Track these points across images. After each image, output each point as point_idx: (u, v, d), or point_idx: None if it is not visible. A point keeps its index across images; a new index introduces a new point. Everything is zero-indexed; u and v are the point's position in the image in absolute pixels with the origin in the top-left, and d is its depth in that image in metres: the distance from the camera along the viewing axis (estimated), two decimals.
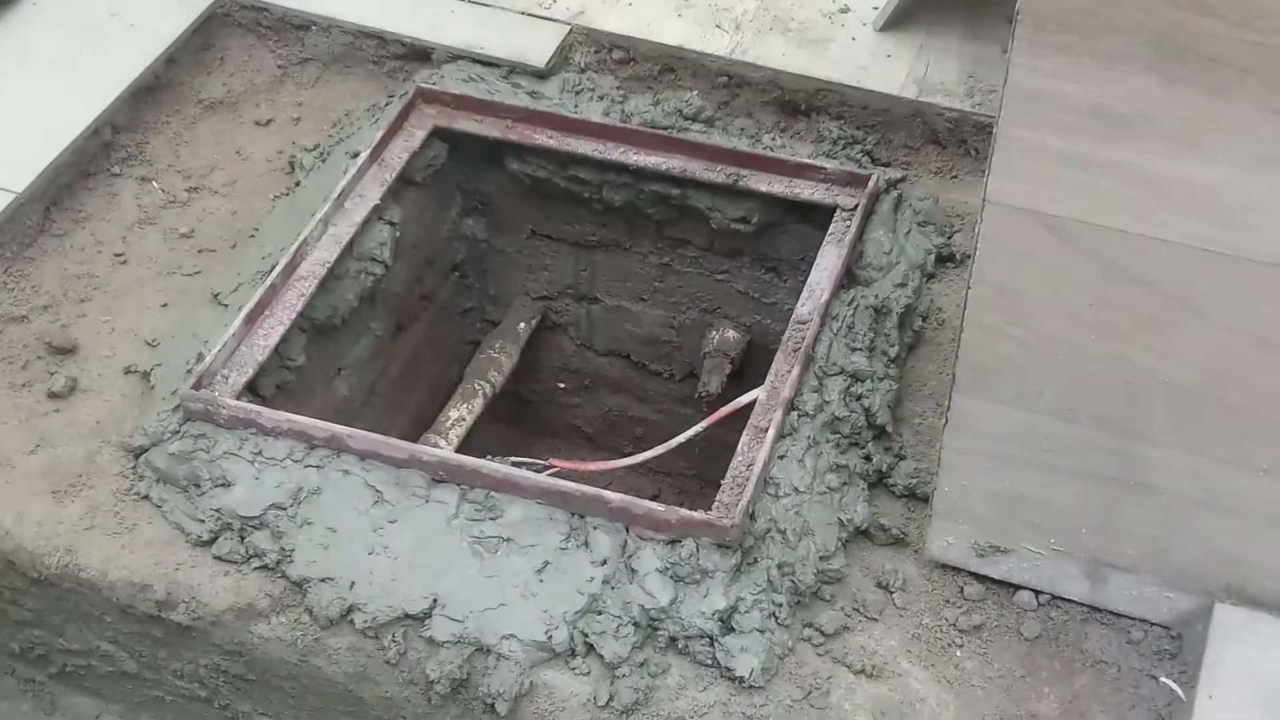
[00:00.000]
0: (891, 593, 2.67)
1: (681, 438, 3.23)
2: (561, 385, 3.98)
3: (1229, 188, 2.05)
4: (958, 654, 2.60)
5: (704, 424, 3.22)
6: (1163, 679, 2.51)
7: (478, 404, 3.61)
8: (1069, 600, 2.64)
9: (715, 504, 2.68)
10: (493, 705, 2.54)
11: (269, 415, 2.80)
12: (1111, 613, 2.62)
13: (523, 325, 3.80)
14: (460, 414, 3.56)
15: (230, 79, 3.67)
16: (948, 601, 2.66)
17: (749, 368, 3.57)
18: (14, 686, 3.02)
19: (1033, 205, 2.17)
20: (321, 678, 2.67)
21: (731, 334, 3.58)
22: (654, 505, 2.65)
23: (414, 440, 3.42)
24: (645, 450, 3.23)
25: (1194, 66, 1.96)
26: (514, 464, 3.32)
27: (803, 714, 2.52)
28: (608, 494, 2.67)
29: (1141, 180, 2.08)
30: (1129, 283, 2.19)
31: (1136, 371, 2.29)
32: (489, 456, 3.36)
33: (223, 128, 3.57)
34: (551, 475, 2.94)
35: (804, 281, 3.32)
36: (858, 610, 2.64)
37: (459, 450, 3.46)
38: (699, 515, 2.62)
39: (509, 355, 3.73)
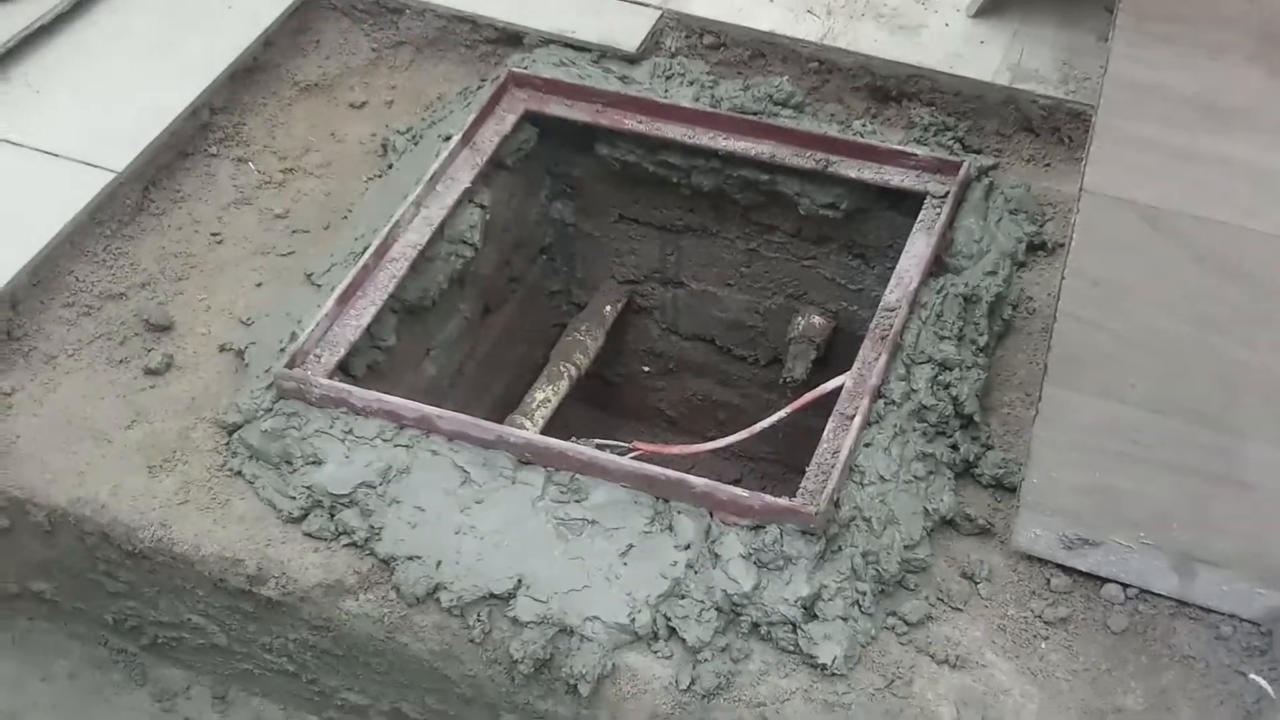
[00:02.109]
0: (977, 583, 2.62)
1: (765, 423, 3.18)
2: (646, 369, 3.95)
3: None
4: (1043, 646, 2.54)
5: (788, 409, 3.17)
6: (1252, 675, 2.45)
7: (563, 386, 3.58)
8: (1157, 594, 2.57)
9: (800, 490, 2.63)
10: (575, 686, 2.52)
11: (360, 395, 2.79)
12: (1200, 607, 2.55)
13: (609, 309, 3.77)
14: (546, 396, 3.54)
15: (325, 62, 3.67)
16: (1034, 593, 2.60)
17: (834, 354, 3.52)
18: (106, 657, 3.03)
19: (1131, 196, 2.11)
20: (407, 655, 2.65)
21: (817, 320, 3.53)
22: (738, 491, 2.61)
23: (500, 421, 3.42)
24: (728, 435, 3.19)
25: None
26: (598, 446, 3.31)
27: (885, 702, 2.48)
28: (692, 478, 2.63)
29: (1244, 172, 2.02)
30: (1228, 276, 2.12)
31: (1233, 366, 2.22)
32: (573, 438, 3.34)
33: (318, 110, 3.57)
34: (634, 458, 2.93)
35: (892, 268, 3.26)
36: (942, 600, 2.59)
37: (544, 432, 3.44)
38: (783, 502, 2.58)
39: (594, 338, 3.70)
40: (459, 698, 2.69)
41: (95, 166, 3.23)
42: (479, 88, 3.52)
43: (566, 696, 2.55)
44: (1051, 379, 2.38)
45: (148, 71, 3.46)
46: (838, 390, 2.89)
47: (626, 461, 2.70)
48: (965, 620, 2.57)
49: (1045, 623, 2.57)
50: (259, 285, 3.17)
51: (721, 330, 3.77)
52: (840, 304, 3.53)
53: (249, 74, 3.56)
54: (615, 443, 3.28)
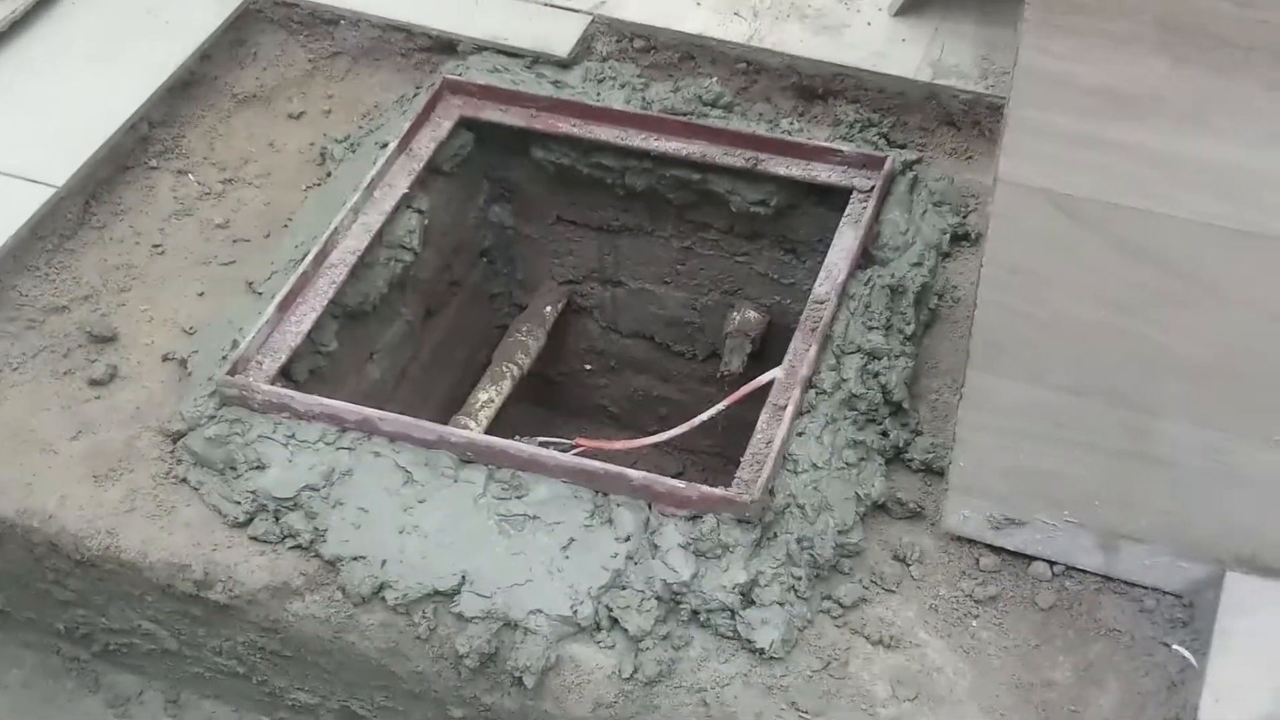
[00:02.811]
0: (908, 565, 2.63)
1: (703, 416, 3.18)
2: (588, 366, 3.94)
3: (1239, 165, 1.99)
4: (974, 624, 2.56)
5: (725, 403, 3.17)
6: (1175, 646, 2.47)
7: (506, 386, 3.57)
8: (1082, 571, 2.59)
9: (735, 480, 2.63)
10: (520, 679, 2.51)
11: (302, 399, 2.77)
12: (1125, 582, 2.57)
13: (549, 309, 3.76)
14: (489, 396, 3.53)
15: (263, 73, 3.64)
16: (964, 573, 2.62)
17: (769, 347, 3.52)
18: (58, 665, 3.01)
19: (1044, 184, 2.12)
20: (354, 653, 2.64)
21: (752, 314, 3.53)
22: (675, 482, 2.61)
23: (444, 422, 3.40)
24: (669, 429, 3.19)
25: (1200, 46, 1.90)
26: (541, 444, 3.28)
27: (822, 684, 2.48)
28: (631, 472, 2.63)
29: (1152, 158, 2.03)
30: (1140, 260, 2.14)
31: (1149, 348, 2.24)
32: (517, 437, 3.32)
33: (256, 121, 3.54)
34: (577, 454, 2.93)
35: (822, 263, 3.26)
36: (875, 583, 2.60)
37: (488, 431, 3.43)
38: (719, 492, 2.58)
39: (536, 338, 3.69)
40: (407, 694, 2.68)
41: (35, 182, 3.19)
42: (415, 95, 3.50)
43: (512, 689, 2.55)
44: (974, 365, 2.39)
45: (86, 85, 3.42)
46: (772, 382, 2.89)
47: (566, 458, 2.70)
48: (898, 601, 2.58)
49: (975, 601, 2.58)
50: (201, 295, 3.14)
51: (660, 327, 3.77)
52: (773, 298, 3.54)
53: (187, 87, 3.53)
54: (558, 440, 3.28)
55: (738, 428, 3.11)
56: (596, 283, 3.76)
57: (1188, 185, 2.04)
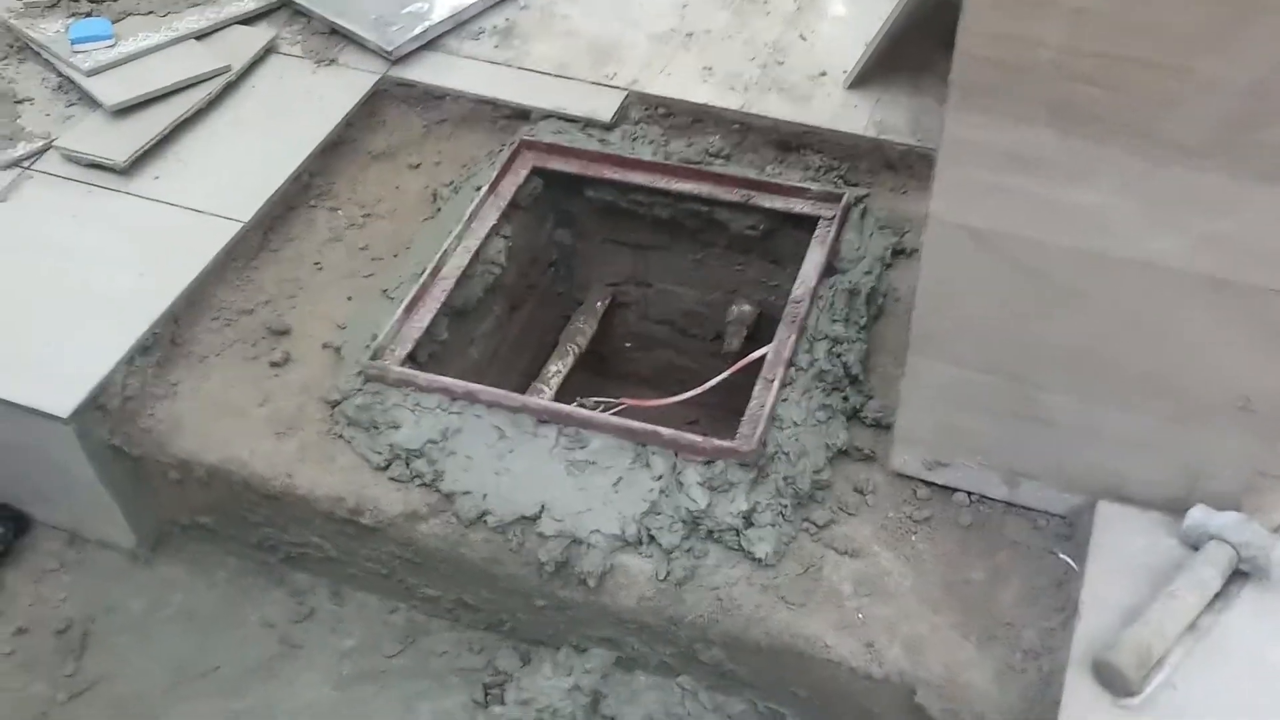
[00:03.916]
0: (865, 495, 2.63)
1: (712, 382, 3.16)
2: (628, 345, 3.92)
3: (1105, 207, 1.98)
4: (913, 539, 2.55)
5: (728, 373, 3.15)
6: (1060, 555, 2.46)
7: (569, 360, 3.56)
8: (992, 499, 2.58)
9: (738, 434, 2.63)
10: (585, 580, 2.52)
11: (424, 378, 2.77)
12: (1023, 507, 2.56)
13: (599, 304, 3.74)
14: (557, 368, 3.52)
15: (390, 136, 3.61)
16: (905, 501, 2.61)
17: (759, 332, 3.50)
18: (253, 567, 3.02)
19: (962, 220, 2.11)
20: (465, 561, 2.66)
21: (746, 308, 3.51)
22: (694, 437, 2.61)
23: (525, 388, 3.41)
24: (688, 390, 3.18)
25: (1080, 121, 1.89)
26: (597, 403, 3.30)
27: (803, 584, 2.49)
28: (661, 430, 2.63)
29: (1042, 203, 2.02)
30: (1031, 276, 2.13)
31: (1036, 340, 2.23)
32: (578, 400, 3.33)
33: (385, 171, 3.52)
34: (620, 412, 2.94)
35: (798, 270, 3.26)
36: (841, 509, 2.60)
37: (557, 396, 3.43)
38: (727, 444, 2.58)
39: (590, 325, 3.67)
40: (503, 589, 2.69)
41: (229, 219, 3.19)
42: (500, 151, 3.48)
43: (579, 587, 2.56)
44: (913, 351, 2.38)
45: (264, 146, 3.40)
46: (761, 359, 2.89)
47: (615, 419, 2.69)
48: (858, 523, 2.58)
49: (914, 521, 2.57)
50: (349, 299, 3.13)
51: (679, 316, 3.74)
52: (762, 296, 3.50)
53: (335, 147, 3.51)
54: (610, 399, 3.28)
55: (735, 388, 3.10)
56: (632, 285, 3.73)
57: (1067, 222, 2.03)
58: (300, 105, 3.53)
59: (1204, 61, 1.74)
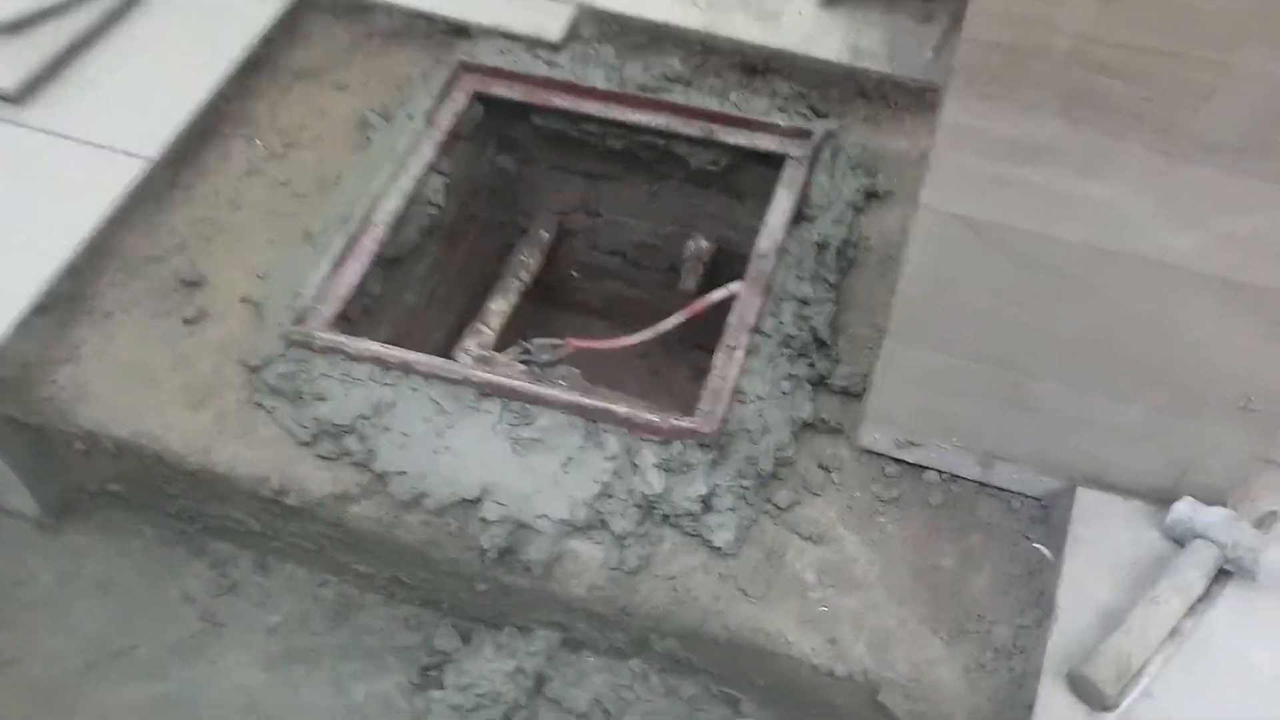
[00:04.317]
0: (830, 472, 2.46)
1: (667, 324, 2.98)
2: (574, 274, 3.68)
3: (1117, 202, 1.76)
4: (880, 520, 2.40)
5: (684, 314, 2.96)
6: (1035, 544, 2.32)
7: (512, 296, 3.33)
8: (964, 478, 2.43)
9: (698, 411, 2.43)
10: (530, 568, 2.35)
11: (353, 345, 2.53)
12: (997, 488, 2.41)
13: (545, 233, 3.48)
14: (499, 305, 3.29)
15: (314, 53, 3.27)
16: (873, 479, 2.45)
17: (717, 269, 3.28)
18: (172, 536, 2.81)
19: (958, 210, 1.89)
20: (401, 544, 2.46)
21: (704, 244, 3.28)
22: (651, 416, 2.41)
23: (464, 327, 3.18)
24: (640, 331, 2.98)
25: (1096, 112, 1.66)
26: (538, 344, 3.09)
27: (765, 573, 2.33)
28: (615, 408, 2.42)
29: (1048, 195, 1.80)
30: (1029, 268, 1.93)
31: (1032, 330, 2.04)
32: (520, 342, 3.12)
33: (309, 92, 3.19)
34: (573, 358, 2.81)
35: (760, 206, 3.02)
36: (805, 488, 2.43)
37: (500, 332, 3.21)
38: (686, 424, 2.39)
39: (534, 258, 3.42)
40: (443, 572, 2.51)
41: (134, 155, 2.86)
42: (436, 71, 3.16)
43: (525, 574, 2.39)
44: (892, 337, 2.18)
45: (170, 71, 3.05)
46: (723, 298, 2.71)
47: (565, 395, 2.47)
48: (823, 503, 2.42)
49: (882, 501, 2.42)
50: (270, 242, 2.86)
51: (630, 248, 3.50)
52: (720, 231, 3.27)
53: (252, 67, 3.16)
54: (553, 340, 3.07)
55: (694, 327, 2.90)
56: (581, 214, 3.48)
57: (1072, 215, 1.82)
58: (213, 20, 3.16)
59: (1246, 55, 1.51)
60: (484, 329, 3.21)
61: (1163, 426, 2.09)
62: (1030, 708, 2.07)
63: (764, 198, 3.04)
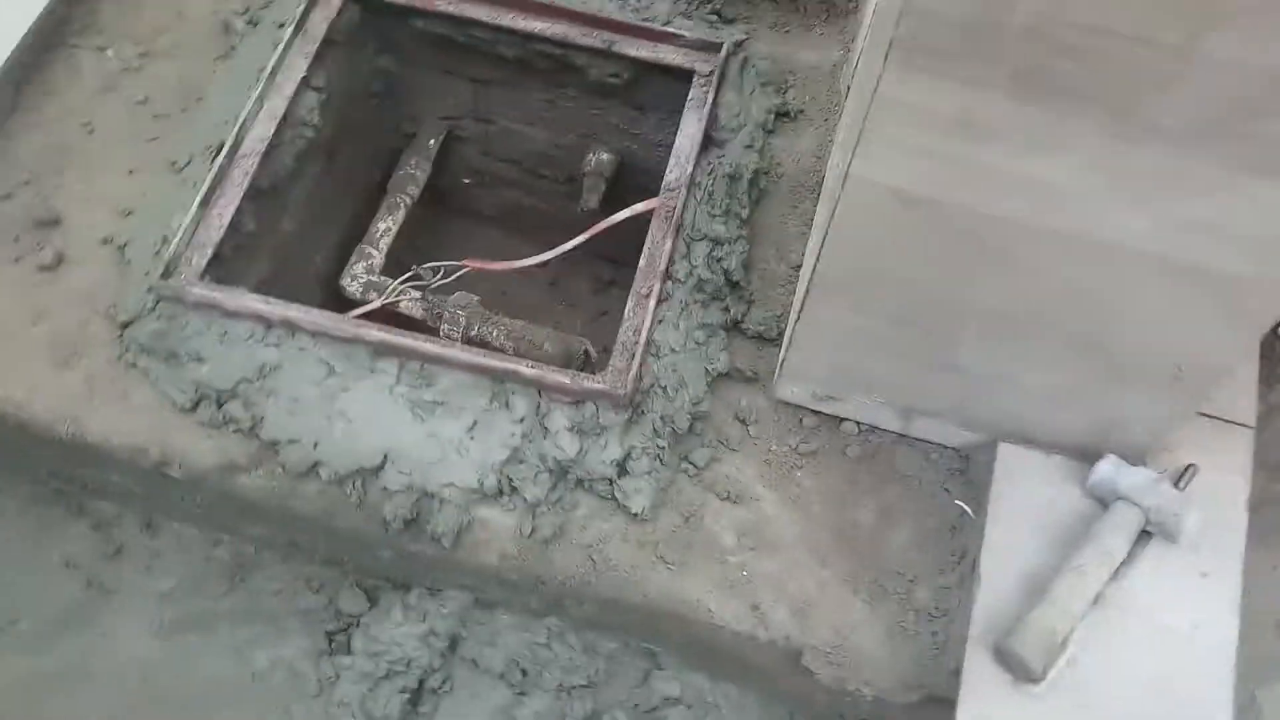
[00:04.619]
0: (747, 425, 2.36)
1: (568, 245, 2.81)
2: (467, 181, 3.45)
3: (1063, 182, 1.64)
4: (798, 475, 2.32)
5: (587, 235, 2.79)
6: (957, 501, 2.27)
7: (400, 215, 3.10)
8: (883, 429, 2.35)
9: (610, 369, 2.29)
10: (439, 540, 2.22)
11: (230, 300, 2.31)
12: (915, 439, 2.35)
13: (432, 142, 3.23)
14: (387, 225, 3.07)
15: None
16: (790, 430, 2.36)
17: (619, 183, 3.10)
18: (47, 494, 2.61)
19: (888, 181, 1.74)
20: (297, 513, 2.31)
21: (605, 156, 3.08)
22: (561, 377, 2.26)
23: (351, 250, 2.96)
24: (543, 252, 2.80)
25: (1047, 93, 1.51)
26: (433, 267, 2.90)
27: (684, 536, 2.25)
28: (522, 368, 2.27)
29: (989, 172, 1.67)
30: (960, 239, 1.81)
31: (959, 298, 1.94)
32: (414, 268, 2.92)
33: None
34: (467, 277, 2.69)
35: (664, 119, 2.88)
36: (721, 443, 2.34)
37: (388, 258, 3.00)
38: (598, 386, 2.25)
39: (423, 170, 3.19)
40: (344, 539, 2.37)
41: None
42: None
43: (433, 543, 2.26)
44: (812, 298, 2.06)
45: None
46: (626, 218, 2.58)
47: (465, 354, 2.30)
48: (740, 459, 2.33)
49: (799, 454, 2.34)
50: (131, 173, 2.59)
51: (527, 157, 3.28)
52: (623, 144, 3.07)
53: None
54: (449, 263, 2.89)
55: (599, 241, 2.71)
56: (471, 120, 3.23)
57: (1014, 193, 1.70)
58: None
59: (1216, 41, 1.38)
60: (372, 252, 3.00)
61: (1089, 392, 2.03)
62: (956, 673, 2.05)
63: (668, 110, 2.86)
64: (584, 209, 3.07)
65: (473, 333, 2.83)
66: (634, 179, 3.10)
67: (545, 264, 3.30)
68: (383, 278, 2.95)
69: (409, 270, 2.92)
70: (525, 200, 3.44)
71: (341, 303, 2.93)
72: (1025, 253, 1.78)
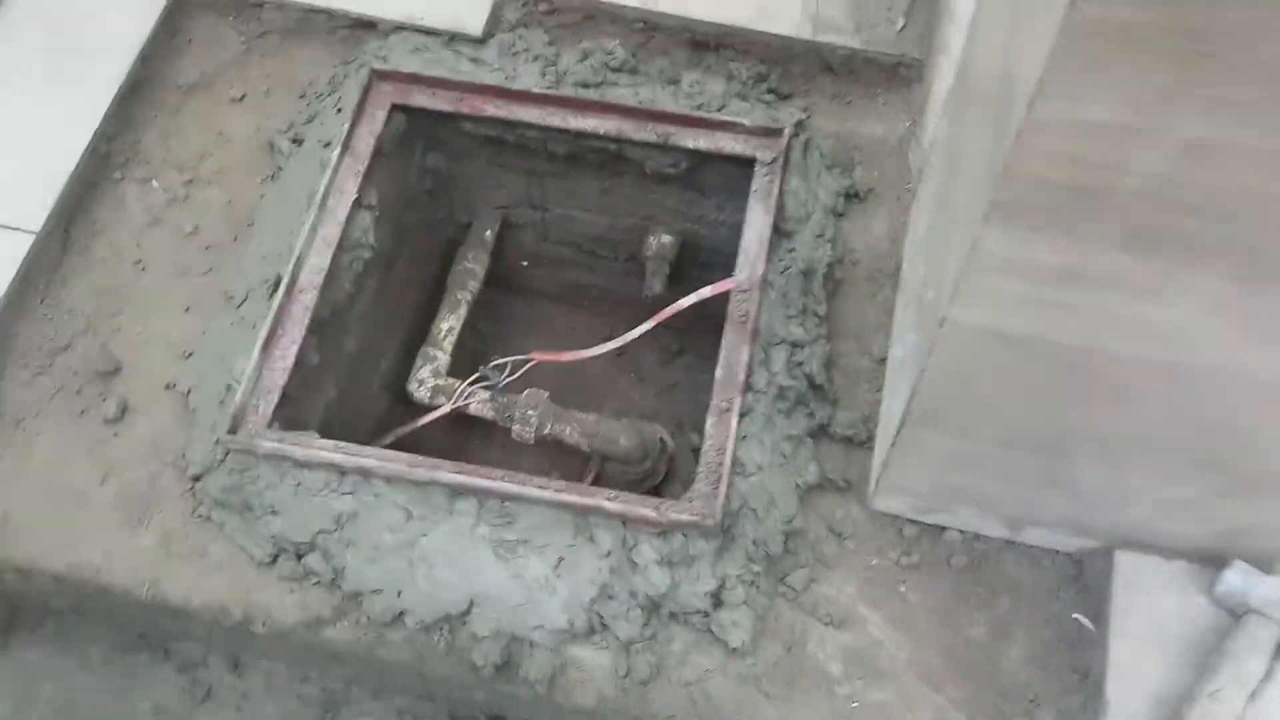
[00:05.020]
0: (843, 539, 2.27)
1: (637, 332, 2.74)
2: (525, 263, 3.37)
3: (1185, 324, 1.53)
4: (902, 589, 2.22)
5: (654, 320, 2.71)
6: (1075, 616, 2.16)
7: (462, 311, 3.03)
8: (989, 536, 2.25)
9: (694, 494, 2.20)
10: (532, 685, 2.16)
11: (301, 452, 2.24)
12: (1024, 544, 2.24)
13: (488, 233, 3.16)
14: (450, 324, 3.00)
15: (202, 60, 2.86)
16: (890, 543, 2.26)
17: (682, 264, 3.00)
18: (132, 640, 2.59)
19: (990, 324, 1.64)
20: (386, 661, 2.25)
21: (667, 239, 2.98)
22: (646, 510, 2.17)
23: (415, 353, 2.89)
24: (609, 341, 2.73)
25: (1169, 246, 1.40)
26: (497, 365, 2.83)
27: (786, 668, 2.16)
28: (606, 504, 2.18)
29: (1101, 315, 1.56)
30: (1074, 377, 1.70)
31: (1071, 425, 1.82)
32: (481, 367, 2.85)
33: (203, 109, 2.80)
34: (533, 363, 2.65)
35: (725, 201, 2.77)
36: (819, 561, 2.24)
37: (454, 356, 2.93)
38: (685, 517, 2.16)
39: (481, 264, 3.11)
40: (435, 682, 2.31)
41: (17, 230, 2.50)
42: (343, 73, 2.78)
43: (527, 687, 2.19)
44: (911, 423, 1.95)
45: (40, 113, 2.64)
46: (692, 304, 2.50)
47: (546, 492, 2.21)
48: (839, 577, 2.23)
49: (902, 568, 2.24)
50: (187, 310, 2.54)
51: (585, 240, 3.19)
52: (684, 225, 2.97)
53: (134, 91, 2.76)
54: (517, 357, 2.82)
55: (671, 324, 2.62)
56: (526, 208, 3.15)
57: (1130, 334, 1.59)
58: (78, 38, 2.74)
59: None
60: (436, 354, 2.94)
61: (1212, 503, 1.91)
62: None
63: (729, 192, 2.76)
64: (648, 295, 2.98)
65: (545, 431, 2.77)
66: (697, 256, 3.01)
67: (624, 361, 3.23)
68: (450, 380, 2.89)
69: (475, 371, 2.85)
70: (586, 279, 3.36)
71: (410, 407, 2.88)
72: (1146, 385, 1.66)
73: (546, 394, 2.82)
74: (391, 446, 2.81)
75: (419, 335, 3.03)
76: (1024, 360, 1.67)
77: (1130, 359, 1.61)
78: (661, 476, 2.93)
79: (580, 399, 3.32)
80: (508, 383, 2.82)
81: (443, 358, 2.95)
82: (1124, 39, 1.14)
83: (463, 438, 3.24)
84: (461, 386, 2.83)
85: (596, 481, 2.98)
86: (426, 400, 2.86)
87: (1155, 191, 1.32)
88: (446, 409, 2.82)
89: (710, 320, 2.57)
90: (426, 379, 2.89)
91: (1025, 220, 1.41)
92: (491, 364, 2.87)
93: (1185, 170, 1.28)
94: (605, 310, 3.43)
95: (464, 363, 2.98)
